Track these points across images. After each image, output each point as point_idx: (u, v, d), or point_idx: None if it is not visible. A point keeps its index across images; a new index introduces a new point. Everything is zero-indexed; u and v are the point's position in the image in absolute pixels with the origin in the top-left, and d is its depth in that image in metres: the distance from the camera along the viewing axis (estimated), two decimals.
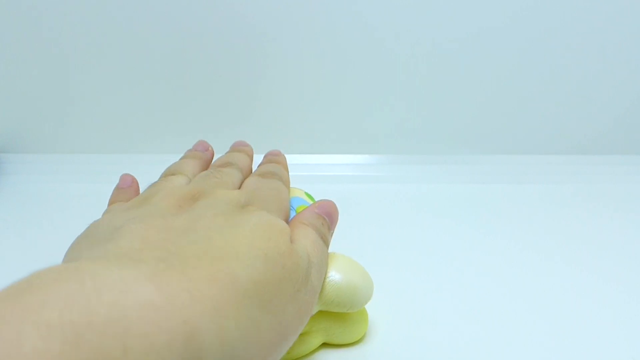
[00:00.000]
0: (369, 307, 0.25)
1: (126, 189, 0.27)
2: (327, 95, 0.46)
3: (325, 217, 0.24)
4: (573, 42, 0.45)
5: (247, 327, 0.16)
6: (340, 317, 0.25)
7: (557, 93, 0.47)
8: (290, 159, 0.32)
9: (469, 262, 0.33)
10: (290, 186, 0.28)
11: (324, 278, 0.23)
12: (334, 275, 0.23)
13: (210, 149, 0.31)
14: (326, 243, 0.23)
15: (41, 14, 0.42)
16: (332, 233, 0.25)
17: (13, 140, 0.47)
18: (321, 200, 0.25)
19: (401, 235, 0.36)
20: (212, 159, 0.30)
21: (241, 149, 0.31)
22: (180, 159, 0.29)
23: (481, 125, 0.48)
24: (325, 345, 0.25)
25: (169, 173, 0.27)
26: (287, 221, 0.23)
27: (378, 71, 0.45)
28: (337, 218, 0.25)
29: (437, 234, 0.36)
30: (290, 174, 0.30)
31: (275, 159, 0.30)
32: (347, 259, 0.24)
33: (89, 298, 0.13)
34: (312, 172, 0.45)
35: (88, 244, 0.19)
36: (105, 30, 0.43)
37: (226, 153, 0.31)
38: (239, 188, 0.26)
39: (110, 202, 0.26)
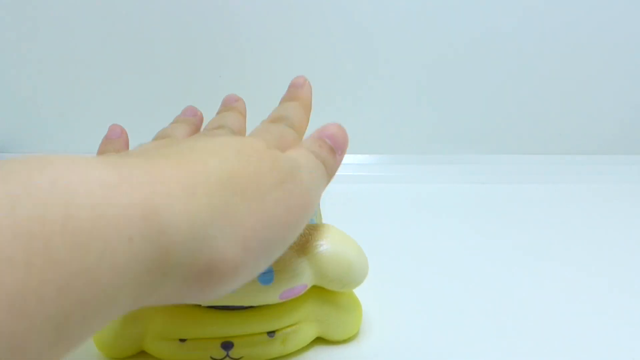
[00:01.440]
0: (366, 306, 0.25)
1: (115, 140, 0.26)
2: (327, 95, 0.46)
3: (327, 139, 0.22)
4: (574, 43, 0.45)
5: (221, 209, 0.15)
6: (333, 305, 0.24)
7: (557, 94, 0.47)
8: None
9: (468, 261, 0.33)
10: None
11: (315, 248, 0.22)
12: (325, 245, 0.22)
13: (199, 113, 0.29)
14: (326, 164, 0.21)
15: (41, 13, 0.42)
16: (339, 159, 0.22)
17: (13, 140, 0.47)
18: (325, 124, 0.22)
19: (401, 235, 0.36)
20: (202, 124, 0.29)
21: (233, 106, 0.28)
22: (170, 124, 0.28)
23: (482, 125, 0.48)
24: (320, 341, 0.25)
25: (159, 137, 0.26)
26: None
27: (378, 71, 0.45)
28: (344, 140, 0.22)
29: (437, 234, 0.36)
30: None
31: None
32: (341, 232, 0.24)
33: (31, 174, 0.12)
34: None
35: None
36: (105, 30, 0.43)
37: (218, 112, 0.29)
38: None
39: (99, 153, 0.25)
